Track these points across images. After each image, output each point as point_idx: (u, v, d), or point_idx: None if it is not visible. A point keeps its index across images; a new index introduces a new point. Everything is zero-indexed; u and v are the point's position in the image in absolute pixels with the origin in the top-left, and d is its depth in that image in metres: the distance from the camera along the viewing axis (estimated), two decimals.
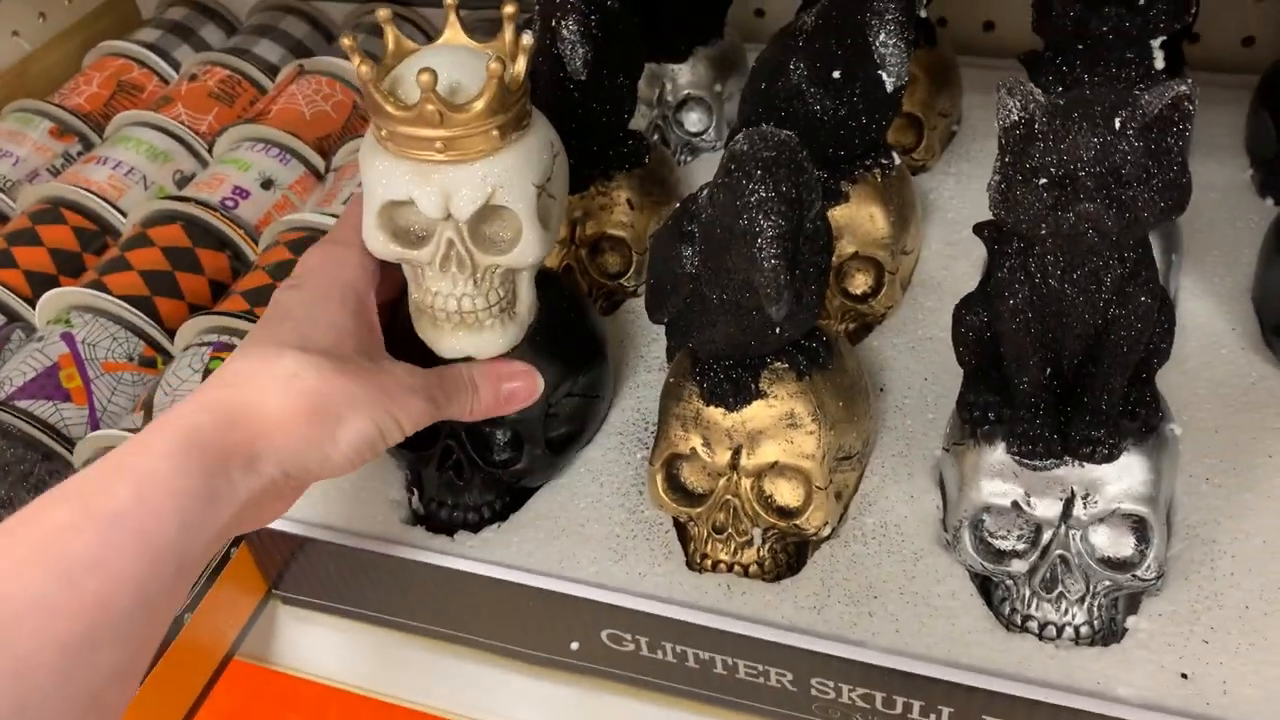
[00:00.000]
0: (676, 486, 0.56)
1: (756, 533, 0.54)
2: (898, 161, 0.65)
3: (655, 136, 0.80)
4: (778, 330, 0.50)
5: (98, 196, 0.78)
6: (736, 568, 0.54)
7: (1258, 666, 0.48)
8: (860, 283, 0.65)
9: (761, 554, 0.54)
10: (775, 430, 0.53)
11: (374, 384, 0.47)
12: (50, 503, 0.39)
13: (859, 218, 0.63)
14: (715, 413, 0.53)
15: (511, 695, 0.58)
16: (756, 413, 0.52)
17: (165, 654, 0.55)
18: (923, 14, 0.55)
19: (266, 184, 0.79)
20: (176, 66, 0.95)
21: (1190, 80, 0.41)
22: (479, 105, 0.48)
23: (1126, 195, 0.41)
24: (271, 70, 0.92)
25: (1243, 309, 0.64)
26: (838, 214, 0.63)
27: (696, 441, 0.53)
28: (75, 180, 0.80)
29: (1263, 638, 0.49)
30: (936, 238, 0.71)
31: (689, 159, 0.81)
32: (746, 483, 0.53)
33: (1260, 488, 0.54)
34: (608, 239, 0.68)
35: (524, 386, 0.55)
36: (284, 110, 0.83)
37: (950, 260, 0.69)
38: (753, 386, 0.52)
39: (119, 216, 0.78)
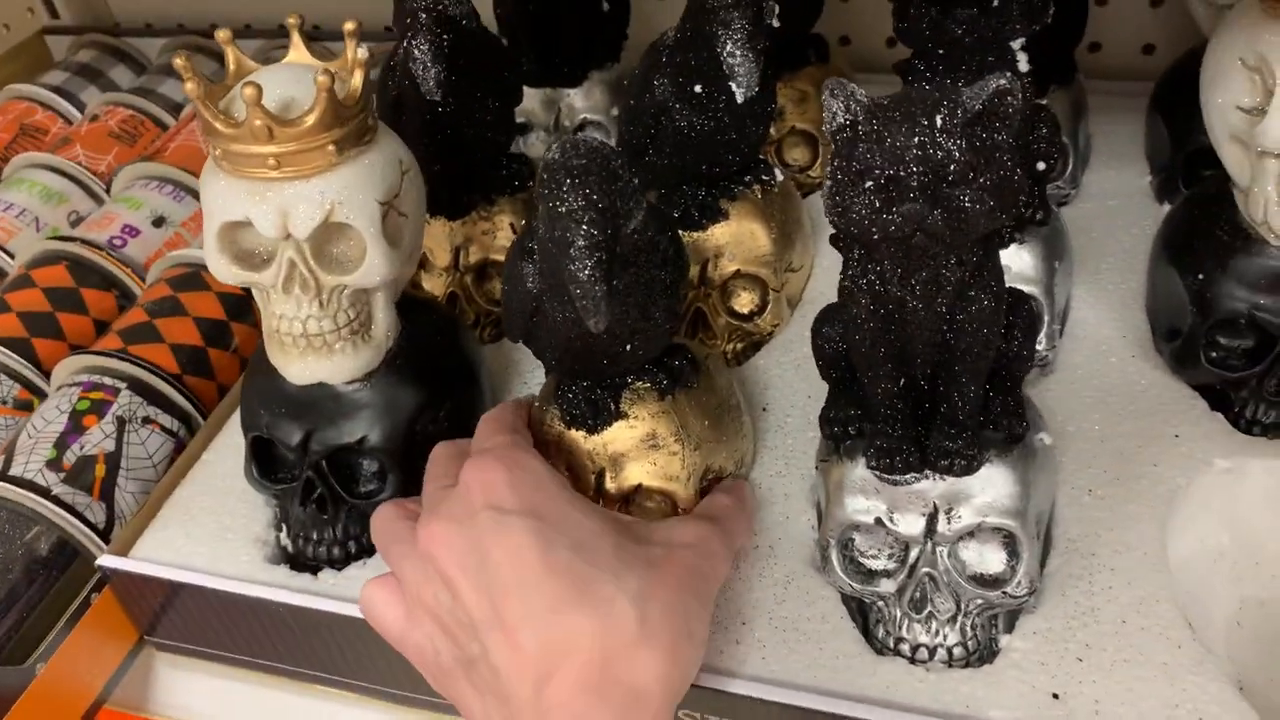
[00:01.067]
0: None
1: None
2: (779, 178, 0.64)
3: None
4: (627, 348, 0.48)
5: None
6: None
7: (1131, 684, 0.46)
8: (745, 301, 0.64)
9: None
10: (637, 452, 0.51)
11: (680, 567, 0.45)
12: None
13: (740, 235, 0.62)
14: (577, 436, 0.51)
15: None
16: (617, 434, 0.51)
17: (15, 706, 0.52)
18: (775, 23, 0.53)
19: (158, 221, 0.77)
20: (83, 108, 0.94)
21: (1010, 75, 0.39)
22: (310, 119, 0.47)
23: (953, 194, 0.39)
24: (176, 109, 0.91)
25: (1136, 316, 0.62)
26: (719, 231, 0.62)
27: (560, 467, 0.51)
28: None
29: (1139, 653, 0.47)
30: (830, 254, 0.69)
31: None
32: (614, 509, 0.51)
33: (1144, 498, 0.53)
34: (493, 264, 0.67)
35: None
36: (181, 147, 0.82)
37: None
38: (612, 407, 0.51)
39: (7, 260, 0.77)
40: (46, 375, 0.68)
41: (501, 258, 0.67)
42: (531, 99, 0.77)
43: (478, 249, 0.66)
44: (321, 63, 0.51)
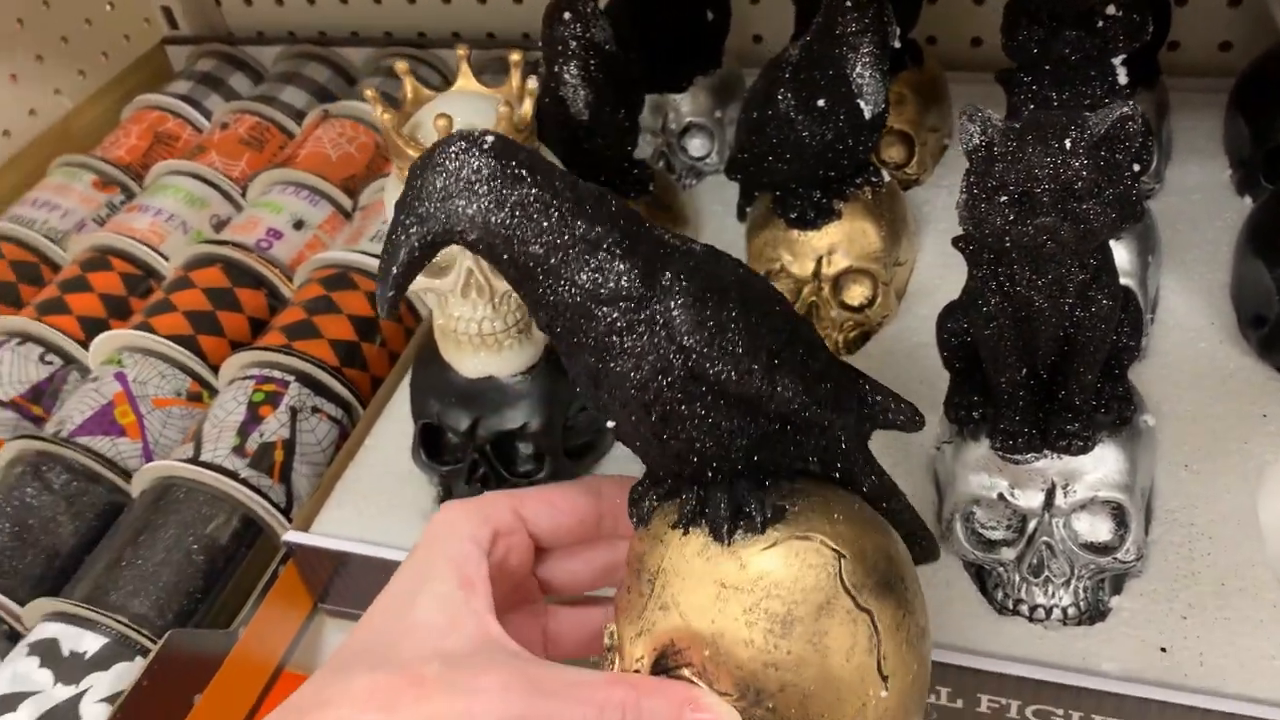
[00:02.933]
0: None
1: None
2: (887, 179, 0.69)
3: (661, 163, 0.85)
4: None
5: (141, 243, 0.83)
6: None
7: (1231, 638, 0.51)
8: (857, 294, 0.69)
9: None
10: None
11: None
12: None
13: (852, 233, 0.67)
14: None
15: None
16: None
17: (220, 670, 0.59)
18: (896, 44, 0.58)
19: (298, 224, 0.84)
20: (208, 115, 1.00)
21: (1132, 104, 0.44)
22: None
23: (1080, 208, 0.45)
24: (297, 115, 0.97)
25: (1222, 304, 0.67)
26: (832, 230, 0.67)
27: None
28: (120, 229, 0.85)
29: (1236, 611, 0.52)
30: (930, 248, 0.74)
31: (693, 182, 0.85)
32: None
33: (1235, 473, 0.58)
34: None
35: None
36: (311, 154, 0.88)
37: (943, 270, 0.73)
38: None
39: (162, 261, 0.84)
40: (212, 369, 0.74)
41: None
42: None
43: None
44: (489, 90, 0.57)
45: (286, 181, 0.86)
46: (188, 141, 0.98)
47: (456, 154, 0.34)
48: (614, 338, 0.36)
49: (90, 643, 0.58)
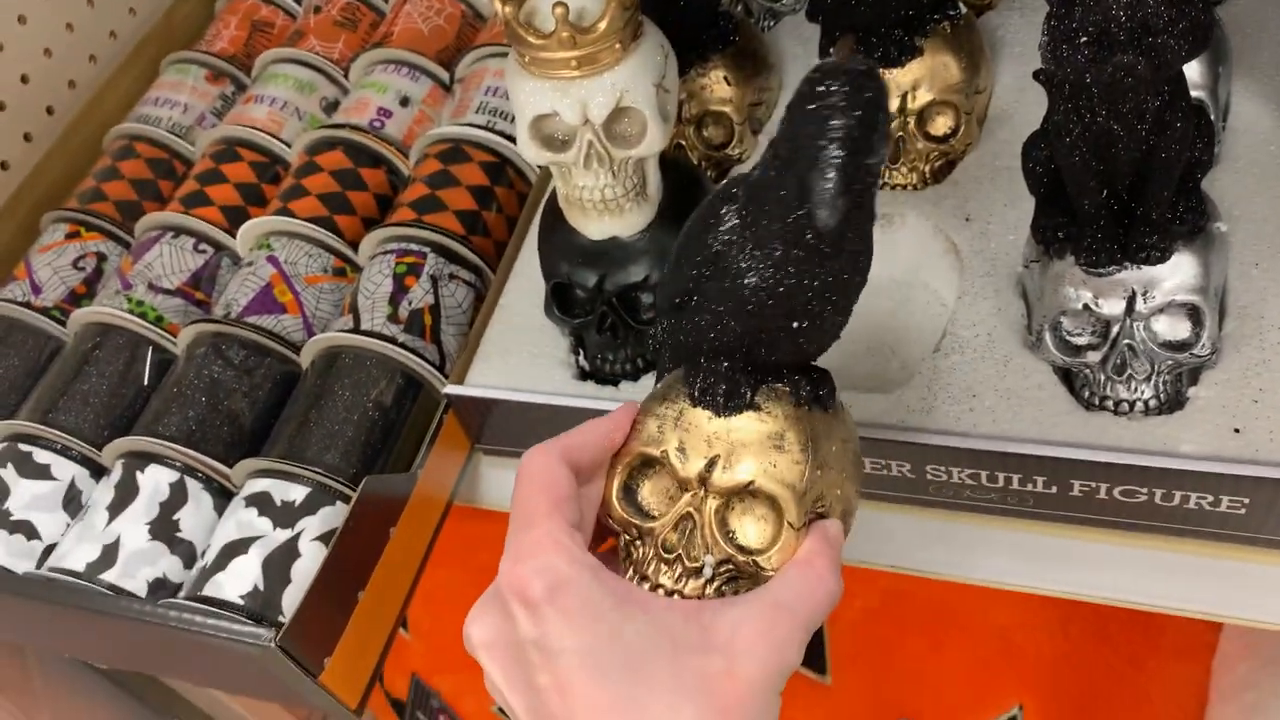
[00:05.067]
0: (629, 496, 0.48)
1: (709, 560, 0.46)
2: (963, 11, 0.73)
3: (739, 6, 0.88)
4: (795, 325, 0.45)
5: (264, 132, 0.90)
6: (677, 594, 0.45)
7: None
8: (941, 125, 0.74)
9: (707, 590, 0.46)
10: (760, 448, 0.46)
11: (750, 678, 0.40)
12: None
13: (934, 67, 0.71)
14: (700, 415, 0.46)
15: None
16: (745, 424, 0.46)
17: (406, 507, 0.69)
18: None
19: (404, 101, 0.89)
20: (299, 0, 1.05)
21: None
22: (603, 25, 0.58)
23: (1156, 44, 0.49)
24: None
25: None
26: (915, 66, 0.71)
27: (673, 444, 0.46)
28: (241, 120, 0.92)
29: None
30: (1006, 73, 0.78)
31: (771, 24, 0.89)
32: (712, 504, 0.46)
33: None
34: (709, 115, 0.78)
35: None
36: (404, 30, 0.93)
37: (1019, 93, 0.76)
38: (748, 395, 0.46)
39: (284, 148, 0.90)
40: (350, 245, 0.82)
41: (717, 108, 0.77)
42: None
43: (696, 104, 0.77)
44: None
45: (386, 60, 0.92)
46: (284, 27, 1.03)
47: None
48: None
49: (297, 493, 0.68)
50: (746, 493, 0.46)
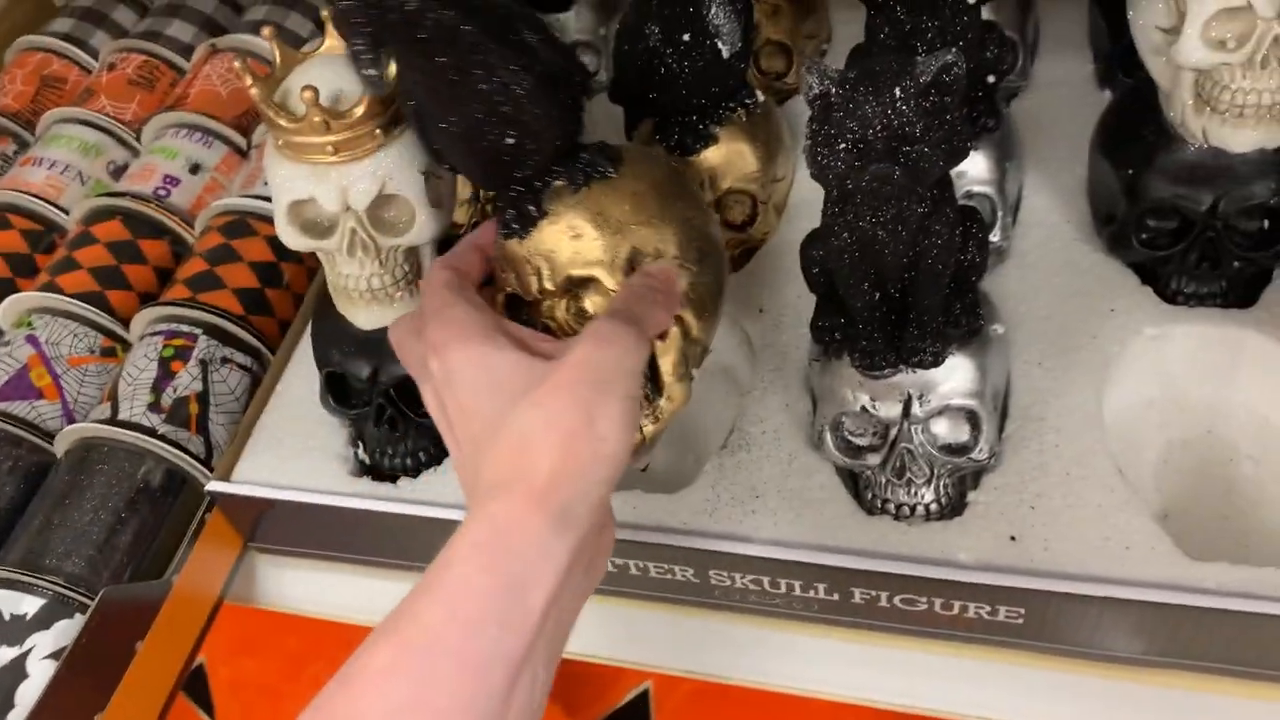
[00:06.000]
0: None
1: None
2: (761, 98, 0.72)
3: None
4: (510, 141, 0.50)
5: (40, 199, 0.84)
6: None
7: (1073, 524, 0.57)
8: (738, 214, 0.72)
9: None
10: (562, 245, 0.52)
11: (573, 364, 0.45)
12: (374, 643, 0.40)
13: (730, 155, 0.70)
14: (514, 245, 0.53)
15: None
16: (544, 234, 0.52)
17: (158, 616, 0.63)
18: None
19: (194, 169, 0.84)
20: (94, 54, 0.99)
21: (955, 50, 0.47)
22: (360, 110, 0.54)
23: (912, 153, 0.48)
24: (185, 50, 0.96)
25: (1080, 201, 0.71)
26: (711, 154, 0.70)
27: (511, 276, 0.54)
28: (16, 184, 0.85)
29: (1079, 499, 0.58)
30: None
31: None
32: (558, 304, 0.54)
33: (1084, 366, 0.63)
34: None
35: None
36: (201, 93, 0.88)
37: None
38: (532, 210, 0.52)
39: (62, 214, 0.84)
40: (122, 323, 0.76)
41: None
42: None
43: None
44: None
45: (179, 124, 0.87)
46: (76, 83, 0.97)
47: None
48: None
49: (29, 605, 0.62)
50: (577, 283, 0.53)
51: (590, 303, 0.53)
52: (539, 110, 0.50)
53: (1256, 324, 0.62)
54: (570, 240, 0.52)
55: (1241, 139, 0.58)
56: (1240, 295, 0.64)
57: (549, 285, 0.53)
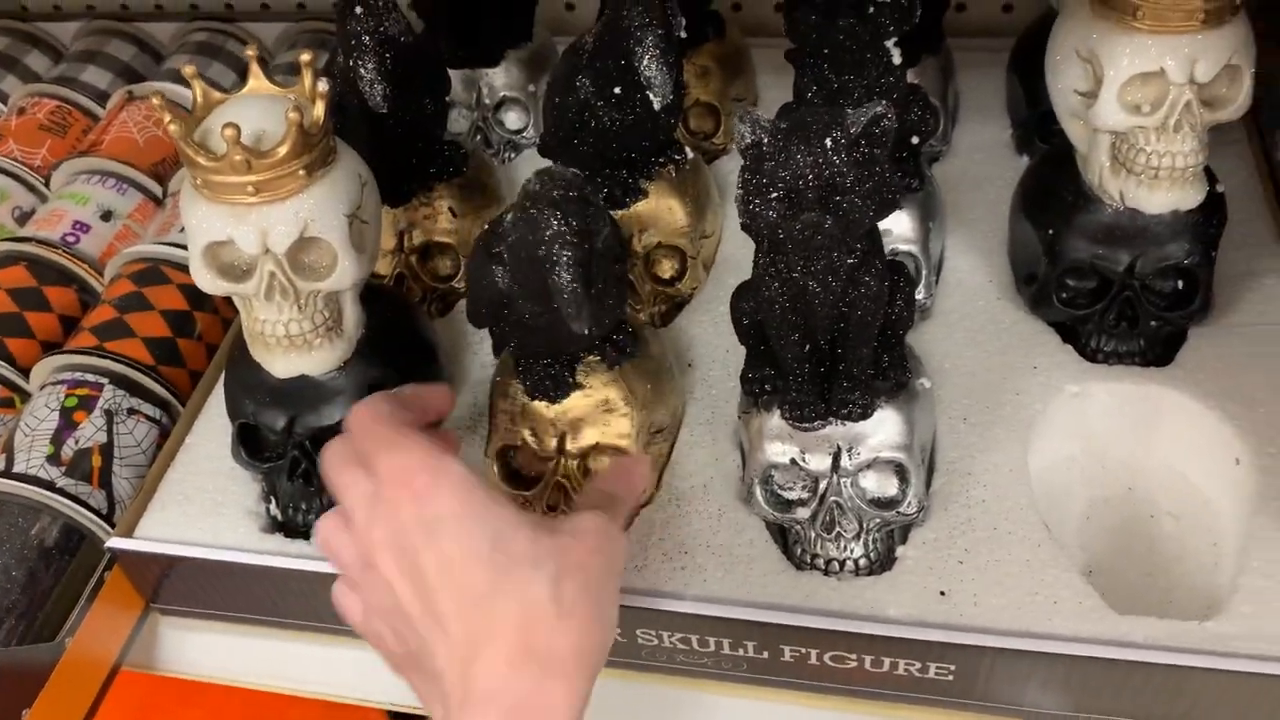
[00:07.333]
0: (511, 474, 0.63)
1: None
2: (690, 155, 0.72)
3: (478, 137, 0.85)
4: (586, 333, 0.56)
5: None
6: None
7: (1001, 579, 0.57)
8: (666, 269, 0.72)
9: None
10: (593, 417, 0.60)
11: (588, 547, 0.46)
12: None
13: (659, 210, 0.70)
14: (539, 406, 0.60)
15: (370, 674, 0.64)
16: (575, 403, 0.60)
17: (48, 682, 0.59)
18: (682, 34, 0.61)
19: (106, 215, 0.82)
20: (4, 99, 0.96)
21: (885, 103, 0.48)
22: (282, 150, 0.53)
23: (842, 203, 0.48)
24: (101, 97, 0.94)
25: (1001, 261, 0.72)
26: (640, 209, 0.70)
27: (525, 433, 0.60)
28: None
29: (1007, 553, 0.58)
30: (736, 218, 0.77)
31: (513, 156, 0.86)
32: (573, 464, 0.61)
33: (1009, 422, 0.63)
34: (434, 245, 0.74)
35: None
36: (117, 139, 0.86)
37: (749, 239, 0.76)
38: (570, 379, 0.59)
39: None
40: (22, 373, 0.73)
41: (442, 239, 0.73)
42: (453, 79, 0.83)
43: (420, 232, 0.73)
44: (282, 91, 0.57)
45: (91, 170, 0.84)
46: None
47: None
48: None
49: None
50: (601, 450, 0.60)
51: (597, 464, 0.61)
52: (619, 306, 0.58)
53: (1174, 382, 0.64)
54: (602, 414, 0.59)
55: (1157, 200, 0.60)
56: (1158, 354, 0.65)
57: (571, 449, 0.60)
